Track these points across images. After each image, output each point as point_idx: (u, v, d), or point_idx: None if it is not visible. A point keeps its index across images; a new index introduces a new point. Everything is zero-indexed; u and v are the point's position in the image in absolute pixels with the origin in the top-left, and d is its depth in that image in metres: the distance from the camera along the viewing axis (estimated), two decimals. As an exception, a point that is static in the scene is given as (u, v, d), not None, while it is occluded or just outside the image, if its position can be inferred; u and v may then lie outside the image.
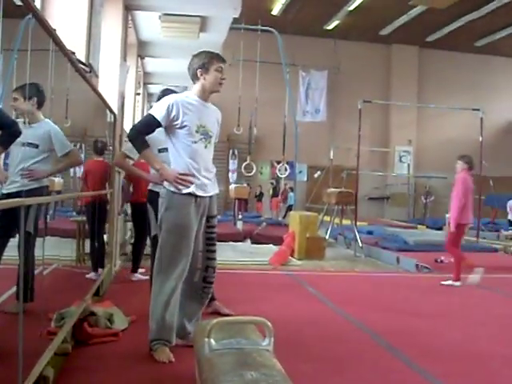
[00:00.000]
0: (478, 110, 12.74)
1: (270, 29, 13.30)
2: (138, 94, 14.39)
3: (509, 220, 16.48)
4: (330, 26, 21.34)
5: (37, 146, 3.46)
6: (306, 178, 22.30)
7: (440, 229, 13.92)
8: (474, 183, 7.40)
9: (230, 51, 14.59)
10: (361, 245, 10.31)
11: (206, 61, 3.76)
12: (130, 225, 8.32)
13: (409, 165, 22.01)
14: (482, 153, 12.43)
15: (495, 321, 5.36)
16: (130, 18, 9.68)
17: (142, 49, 12.50)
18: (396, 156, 22.84)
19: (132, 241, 7.54)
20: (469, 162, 7.26)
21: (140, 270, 6.66)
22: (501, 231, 15.10)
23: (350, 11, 19.36)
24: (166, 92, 4.42)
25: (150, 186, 4.68)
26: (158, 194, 4.00)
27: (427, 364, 3.78)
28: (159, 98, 4.05)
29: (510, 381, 3.65)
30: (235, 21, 10.56)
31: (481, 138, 12.63)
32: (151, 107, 3.82)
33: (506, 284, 7.63)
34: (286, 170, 13.72)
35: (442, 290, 6.93)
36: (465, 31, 20.43)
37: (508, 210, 16.65)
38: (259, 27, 13.79)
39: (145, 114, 3.83)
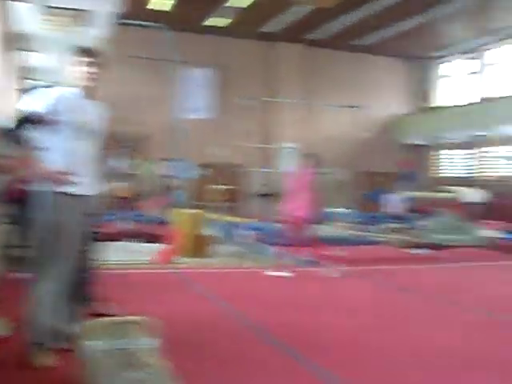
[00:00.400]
0: (356, 107, 13.23)
1: (157, 24, 13.12)
2: (17, 89, 13.78)
3: (388, 213, 17.26)
4: (216, 23, 21.41)
5: None
6: (193, 176, 22.24)
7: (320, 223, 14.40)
8: (316, 180, 7.98)
9: (118, 47, 14.28)
10: (248, 241, 10.45)
11: (70, 57, 3.71)
12: (8, 227, 7.96)
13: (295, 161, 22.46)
14: (362, 149, 13.01)
15: (370, 309, 5.72)
16: (7, 9, 9.30)
17: (22, 42, 12.01)
18: (282, 153, 23.31)
19: (11, 243, 7.23)
20: (312, 161, 7.83)
21: (23, 274, 6.39)
22: (383, 225, 15.75)
23: (235, 8, 19.51)
24: (44, 88, 4.27)
25: (27, 185, 4.49)
26: (35, 193, 3.82)
27: (315, 356, 3.94)
28: (31, 94, 3.90)
29: (393, 367, 3.85)
30: (122, 16, 10.42)
31: (363, 135, 13.19)
32: (31, 103, 3.66)
33: (383, 274, 8.09)
34: (173, 167, 13.63)
35: (324, 282, 7.25)
36: (346, 30, 21.17)
37: (387, 203, 17.49)
38: (145, 23, 13.54)
39: (24, 109, 3.67)
